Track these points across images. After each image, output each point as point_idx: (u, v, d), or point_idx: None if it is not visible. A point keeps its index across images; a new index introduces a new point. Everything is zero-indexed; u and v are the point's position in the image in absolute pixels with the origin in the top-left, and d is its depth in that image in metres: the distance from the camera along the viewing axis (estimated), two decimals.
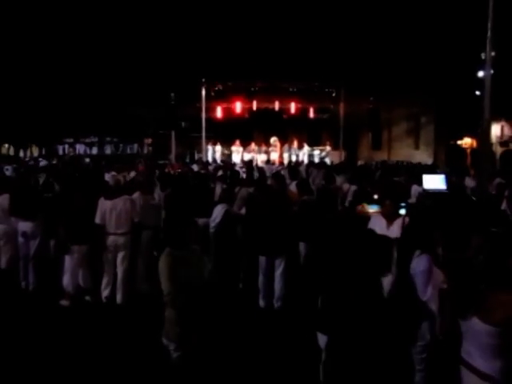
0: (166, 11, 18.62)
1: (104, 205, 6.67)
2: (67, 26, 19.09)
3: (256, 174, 11.89)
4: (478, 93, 13.59)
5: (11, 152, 26.01)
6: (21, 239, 7.16)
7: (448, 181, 9.27)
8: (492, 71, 9.94)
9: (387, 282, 4.36)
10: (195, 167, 15.22)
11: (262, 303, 6.57)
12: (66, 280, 6.67)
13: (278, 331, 5.80)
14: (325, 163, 18.79)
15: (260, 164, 19.18)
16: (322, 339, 3.88)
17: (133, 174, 12.22)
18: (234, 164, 17.68)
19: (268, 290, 6.56)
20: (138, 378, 4.76)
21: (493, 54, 9.89)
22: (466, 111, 18.11)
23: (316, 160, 21.26)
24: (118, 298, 6.75)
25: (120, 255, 6.76)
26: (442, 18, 17.67)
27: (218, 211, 7.31)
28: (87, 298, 6.79)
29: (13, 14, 18.31)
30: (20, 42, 19.35)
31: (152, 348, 5.34)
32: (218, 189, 8.95)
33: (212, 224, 7.28)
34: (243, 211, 7.42)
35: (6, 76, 20.26)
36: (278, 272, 6.48)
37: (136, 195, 7.35)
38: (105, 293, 6.76)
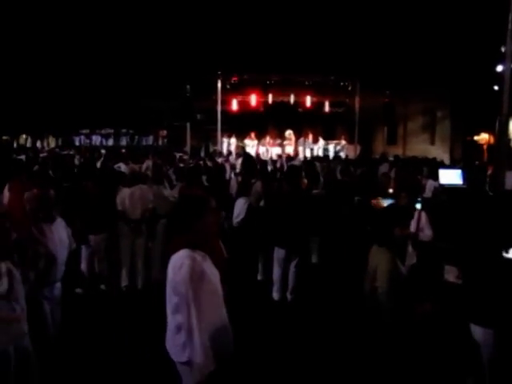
0: (182, 3, 18.63)
1: (123, 193, 6.88)
2: (85, 17, 19.19)
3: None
4: (496, 87, 13.38)
5: (28, 143, 26.31)
6: None
7: (465, 176, 9.20)
8: None
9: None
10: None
11: (275, 296, 6.50)
12: (83, 268, 6.79)
13: (292, 324, 5.78)
14: (327, 157, 18.80)
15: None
16: (479, 332, 3.75)
17: (146, 164, 12.30)
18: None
19: (283, 283, 6.50)
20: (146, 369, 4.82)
21: None
22: (483, 106, 17.85)
23: (331, 154, 21.21)
24: (139, 283, 7.01)
25: (137, 242, 6.98)
26: (460, 11, 17.40)
27: (241, 206, 7.15)
28: (102, 286, 6.88)
29: (27, 2, 18.44)
30: (37, 33, 19.49)
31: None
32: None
33: (236, 220, 7.17)
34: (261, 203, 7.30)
35: (23, 67, 20.48)
36: (293, 264, 6.46)
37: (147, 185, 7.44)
38: (124, 282, 6.94)
